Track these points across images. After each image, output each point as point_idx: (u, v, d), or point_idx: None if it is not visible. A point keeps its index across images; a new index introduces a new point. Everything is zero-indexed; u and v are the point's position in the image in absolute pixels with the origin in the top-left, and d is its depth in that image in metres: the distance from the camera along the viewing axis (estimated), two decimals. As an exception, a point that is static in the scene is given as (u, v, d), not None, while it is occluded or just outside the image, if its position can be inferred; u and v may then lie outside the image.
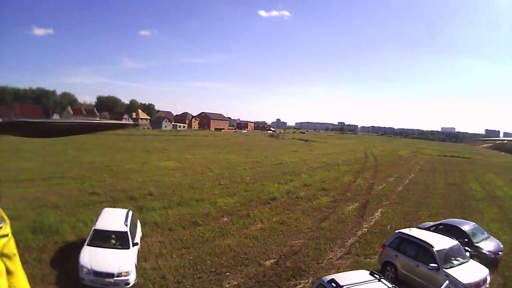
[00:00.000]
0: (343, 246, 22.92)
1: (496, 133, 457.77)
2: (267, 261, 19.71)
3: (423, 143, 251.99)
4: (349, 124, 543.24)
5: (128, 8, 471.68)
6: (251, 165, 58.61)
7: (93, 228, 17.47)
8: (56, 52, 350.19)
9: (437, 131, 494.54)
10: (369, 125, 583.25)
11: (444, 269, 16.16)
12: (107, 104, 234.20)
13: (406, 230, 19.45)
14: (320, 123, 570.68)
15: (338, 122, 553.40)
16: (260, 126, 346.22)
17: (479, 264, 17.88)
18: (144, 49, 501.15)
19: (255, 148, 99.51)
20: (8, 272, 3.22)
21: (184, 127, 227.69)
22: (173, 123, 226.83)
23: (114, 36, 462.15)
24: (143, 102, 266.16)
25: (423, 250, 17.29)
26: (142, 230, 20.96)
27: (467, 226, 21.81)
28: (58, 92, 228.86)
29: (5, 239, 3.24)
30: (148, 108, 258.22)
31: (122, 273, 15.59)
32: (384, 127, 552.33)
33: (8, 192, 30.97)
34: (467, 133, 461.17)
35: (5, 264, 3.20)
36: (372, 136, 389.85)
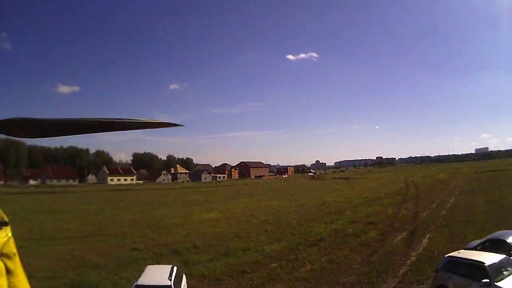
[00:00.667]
0: (395, 277, 22.62)
1: None
2: None
3: (459, 165, 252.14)
4: (386, 158, 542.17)
5: (155, 63, 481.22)
6: (294, 208, 57.49)
7: (135, 283, 16.96)
8: (84, 110, 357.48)
9: (471, 153, 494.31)
10: (406, 156, 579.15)
11: (495, 283, 15.75)
12: (143, 162, 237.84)
13: (455, 253, 19.04)
14: (359, 160, 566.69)
15: (376, 157, 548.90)
16: (300, 170, 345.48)
17: None
18: (175, 103, 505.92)
19: (297, 191, 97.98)
20: (8, 271, 3.25)
21: (224, 177, 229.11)
22: (212, 174, 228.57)
23: (143, 91, 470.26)
24: (180, 157, 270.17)
25: (474, 268, 16.93)
26: (188, 283, 20.50)
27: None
28: (92, 151, 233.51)
29: (5, 239, 3.27)
30: (186, 163, 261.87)
31: None
32: (421, 156, 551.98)
33: (43, 250, 31.56)
34: (500, 150, 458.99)
35: (5, 264, 3.24)
36: (410, 166, 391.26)
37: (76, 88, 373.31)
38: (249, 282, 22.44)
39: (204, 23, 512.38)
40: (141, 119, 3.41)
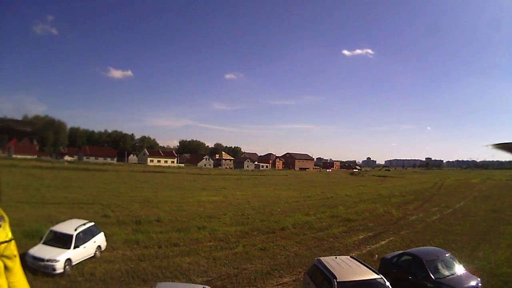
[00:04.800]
0: (293, 273, 22.42)
1: None
2: (199, 278, 20.54)
3: (498, 172, 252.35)
4: (435, 160, 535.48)
5: (211, 51, 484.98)
6: (297, 199, 59.29)
7: (50, 228, 21.20)
8: (139, 95, 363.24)
9: None
10: (454, 160, 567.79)
11: None
12: (190, 148, 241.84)
13: (326, 258, 18.01)
14: (408, 160, 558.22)
15: (425, 158, 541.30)
16: (346, 165, 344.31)
17: None
18: (231, 92, 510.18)
19: (322, 184, 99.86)
20: (8, 271, 3.51)
21: (267, 167, 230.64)
22: (256, 163, 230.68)
23: (200, 79, 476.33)
24: (230, 145, 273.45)
25: (327, 280, 15.72)
26: (113, 245, 24.72)
27: (431, 257, 19.89)
28: (137, 136, 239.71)
29: (5, 239, 3.52)
30: (234, 151, 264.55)
31: (50, 260, 19.23)
32: (468, 160, 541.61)
33: (29, 210, 35.67)
34: None
35: (5, 264, 3.49)
36: (455, 169, 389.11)
37: (129, 73, 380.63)
38: (170, 252, 24.53)
39: (261, 16, 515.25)
40: None
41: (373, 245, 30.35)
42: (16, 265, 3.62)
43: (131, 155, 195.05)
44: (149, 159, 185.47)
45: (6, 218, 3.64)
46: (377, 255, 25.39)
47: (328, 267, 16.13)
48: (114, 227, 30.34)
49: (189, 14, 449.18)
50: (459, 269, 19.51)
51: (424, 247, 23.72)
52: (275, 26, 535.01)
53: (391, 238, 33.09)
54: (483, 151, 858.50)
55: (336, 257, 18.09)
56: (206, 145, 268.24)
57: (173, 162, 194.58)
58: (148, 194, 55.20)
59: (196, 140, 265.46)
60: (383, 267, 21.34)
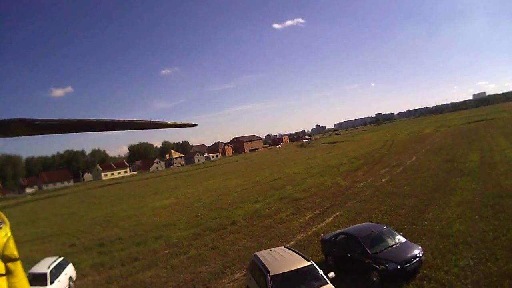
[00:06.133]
0: (245, 268, 22.35)
1: None
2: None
3: (454, 115, 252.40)
4: (385, 114, 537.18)
5: (142, 50, 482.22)
6: (246, 186, 60.73)
7: (29, 272, 22.49)
8: (80, 109, 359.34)
9: (469, 99, 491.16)
10: (405, 110, 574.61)
11: None
12: (140, 152, 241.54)
13: (262, 252, 18.65)
14: (358, 119, 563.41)
15: (375, 114, 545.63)
16: (295, 138, 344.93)
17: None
18: (169, 88, 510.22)
19: (271, 165, 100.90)
20: (8, 272, 3.57)
21: (217, 156, 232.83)
22: (206, 154, 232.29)
23: (137, 81, 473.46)
24: (177, 141, 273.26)
25: (262, 275, 16.25)
26: (83, 272, 26.79)
27: (366, 233, 20.11)
28: (88, 151, 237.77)
29: (4, 239, 3.63)
30: (183, 146, 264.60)
31: None
32: (420, 108, 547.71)
33: None
34: (497, 94, 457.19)
35: (5, 265, 3.55)
36: (406, 121, 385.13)
37: (69, 89, 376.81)
38: (132, 269, 26.21)
39: (187, 6, 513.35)
40: (156, 121, 3.86)
41: (318, 224, 30.61)
42: (17, 266, 3.73)
43: (86, 173, 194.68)
44: (103, 174, 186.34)
45: (8, 222, 3.85)
46: (322, 235, 24.67)
47: (263, 261, 16.88)
48: (82, 254, 31.97)
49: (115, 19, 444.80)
50: (398, 240, 19.84)
51: (360, 224, 24.09)
52: (203, 14, 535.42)
53: (337, 213, 33.15)
54: (435, 96, 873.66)
55: (271, 250, 18.93)
56: (155, 145, 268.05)
57: (125, 172, 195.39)
58: (106, 212, 56.66)
59: (144, 143, 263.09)
60: (324, 248, 22.25)
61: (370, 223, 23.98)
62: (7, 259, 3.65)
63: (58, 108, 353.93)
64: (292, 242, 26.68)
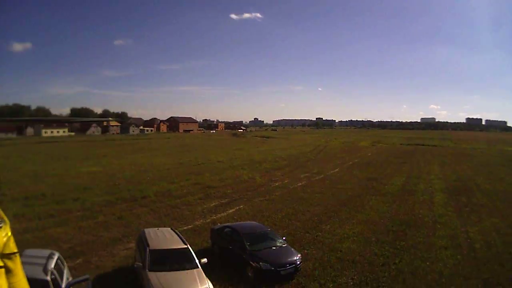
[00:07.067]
0: (125, 243, 23.82)
1: (478, 121, 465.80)
2: (65, 245, 22.78)
3: (395, 133, 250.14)
4: (326, 120, 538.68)
5: (102, 17, 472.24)
6: (170, 166, 60.55)
7: None
8: (37, 65, 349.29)
9: (416, 122, 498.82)
10: (347, 119, 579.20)
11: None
12: (80, 115, 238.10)
13: (150, 230, 19.69)
14: (298, 119, 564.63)
15: (316, 118, 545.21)
16: (231, 126, 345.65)
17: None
18: (120, 58, 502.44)
19: (200, 149, 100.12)
20: (8, 271, 3.57)
21: (151, 131, 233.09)
22: (141, 127, 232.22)
23: (90, 46, 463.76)
24: (118, 111, 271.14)
25: (144, 248, 17.41)
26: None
27: (249, 231, 21.25)
28: (33, 107, 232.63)
29: (4, 239, 3.62)
30: (121, 116, 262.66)
31: None
32: (362, 120, 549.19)
33: None
34: (447, 122, 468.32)
35: (5, 264, 3.56)
36: (346, 130, 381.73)
37: (29, 45, 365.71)
38: (47, 224, 26.97)
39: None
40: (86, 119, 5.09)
41: (219, 213, 31.26)
42: (16, 266, 3.70)
43: (28, 127, 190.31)
44: (43, 130, 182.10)
45: (7, 221, 3.82)
46: (219, 224, 25.19)
47: (147, 237, 18.04)
48: (9, 204, 31.77)
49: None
50: (279, 244, 20.37)
51: (247, 222, 25.14)
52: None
53: (241, 206, 33.77)
54: (381, 111, 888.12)
55: (158, 229, 20.01)
56: (95, 111, 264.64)
57: (64, 132, 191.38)
58: (38, 168, 56.09)
59: (85, 108, 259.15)
60: (212, 236, 22.82)
61: (257, 223, 24.35)
62: (7, 259, 3.71)
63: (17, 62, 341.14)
64: (190, 226, 27.60)
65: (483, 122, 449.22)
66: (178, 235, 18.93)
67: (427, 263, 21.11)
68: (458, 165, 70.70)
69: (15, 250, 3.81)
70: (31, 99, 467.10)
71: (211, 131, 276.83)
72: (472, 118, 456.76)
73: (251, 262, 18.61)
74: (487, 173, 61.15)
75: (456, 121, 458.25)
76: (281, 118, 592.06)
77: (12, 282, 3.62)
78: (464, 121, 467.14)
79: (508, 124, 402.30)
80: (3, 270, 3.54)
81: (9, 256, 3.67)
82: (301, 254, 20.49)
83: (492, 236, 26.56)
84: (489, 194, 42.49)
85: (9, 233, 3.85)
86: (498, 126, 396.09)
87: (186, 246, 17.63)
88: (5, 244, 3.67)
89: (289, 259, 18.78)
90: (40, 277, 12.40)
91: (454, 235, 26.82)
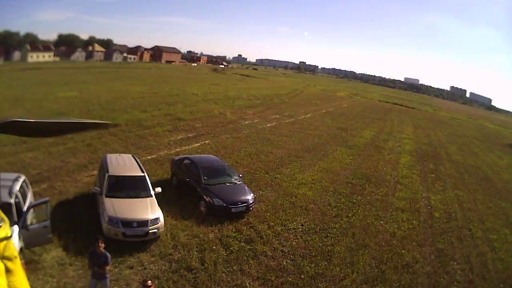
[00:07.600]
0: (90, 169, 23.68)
1: (462, 91, 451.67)
2: (34, 170, 22.73)
3: (376, 89, 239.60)
4: (309, 64, 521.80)
5: None
6: (145, 95, 58.76)
7: None
8: None
9: (399, 80, 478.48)
10: (330, 67, 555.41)
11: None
12: (66, 41, 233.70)
13: (111, 155, 19.88)
14: (281, 61, 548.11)
15: (299, 62, 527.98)
16: (214, 61, 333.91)
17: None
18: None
19: (177, 80, 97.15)
20: (8, 271, 3.85)
21: (135, 59, 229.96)
22: (124, 55, 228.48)
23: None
24: (103, 38, 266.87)
25: (103, 174, 17.80)
26: None
27: (206, 164, 21.32)
28: (22, 33, 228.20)
29: (5, 241, 3.75)
30: (107, 43, 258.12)
31: None
32: (346, 70, 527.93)
33: None
34: (431, 86, 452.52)
35: (5, 264, 3.83)
36: (327, 78, 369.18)
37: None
38: (19, 149, 26.37)
39: None
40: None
41: (184, 146, 31.02)
42: (16, 266, 3.97)
43: (16, 51, 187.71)
44: (29, 55, 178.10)
45: (6, 220, 3.85)
46: (180, 155, 24.93)
47: (108, 163, 17.97)
48: None
49: None
50: (234, 181, 20.40)
51: (206, 155, 25.13)
52: None
53: (207, 141, 33.35)
54: (365, 65, 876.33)
55: (120, 155, 20.09)
56: (82, 37, 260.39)
57: (50, 56, 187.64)
58: (19, 93, 54.43)
59: (72, 34, 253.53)
60: (172, 168, 22.70)
61: (216, 157, 24.18)
62: (7, 259, 3.81)
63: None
64: (154, 156, 27.56)
65: (467, 95, 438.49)
66: (138, 163, 18.93)
67: (381, 222, 21.07)
68: (432, 131, 69.20)
69: (16, 255, 4.04)
70: (21, 25, 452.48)
71: (193, 64, 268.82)
72: (457, 88, 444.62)
73: (204, 197, 18.62)
74: (461, 144, 60.35)
75: (440, 87, 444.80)
76: (265, 58, 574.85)
77: (12, 281, 3.92)
78: (448, 88, 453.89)
79: (493, 103, 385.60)
80: (3, 270, 3.80)
81: (9, 258, 3.95)
82: (256, 194, 20.75)
83: (454, 208, 26.20)
84: (458, 165, 42.10)
85: (9, 233, 4.13)
86: (482, 103, 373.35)
87: (143, 175, 17.69)
88: (6, 246, 3.92)
89: (242, 198, 18.80)
90: (4, 199, 12.49)
91: (414, 199, 26.45)
